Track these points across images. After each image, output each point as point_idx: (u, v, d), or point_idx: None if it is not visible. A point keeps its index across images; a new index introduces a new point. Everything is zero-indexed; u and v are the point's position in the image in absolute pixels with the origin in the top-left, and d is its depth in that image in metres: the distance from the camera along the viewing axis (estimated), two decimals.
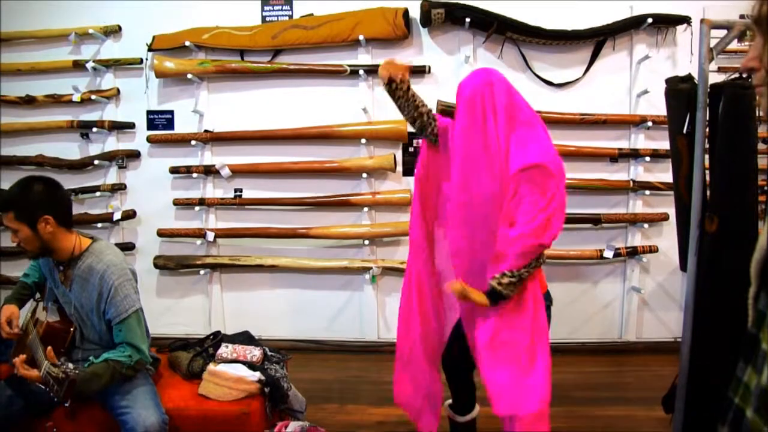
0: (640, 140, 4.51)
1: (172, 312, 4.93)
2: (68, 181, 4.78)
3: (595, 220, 4.49)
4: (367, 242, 4.63)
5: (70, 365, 2.47)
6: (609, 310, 4.74)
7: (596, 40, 4.43)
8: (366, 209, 4.60)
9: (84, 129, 4.81)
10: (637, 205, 4.56)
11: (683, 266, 2.75)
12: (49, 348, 2.43)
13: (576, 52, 4.51)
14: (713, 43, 2.50)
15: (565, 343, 4.68)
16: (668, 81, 2.74)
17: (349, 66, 4.50)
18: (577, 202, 4.53)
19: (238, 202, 4.73)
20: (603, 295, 4.73)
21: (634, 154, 4.47)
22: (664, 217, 4.48)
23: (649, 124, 4.37)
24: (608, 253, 4.48)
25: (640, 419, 3.58)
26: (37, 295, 2.95)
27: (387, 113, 4.56)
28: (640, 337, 4.72)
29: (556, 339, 4.66)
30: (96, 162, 4.78)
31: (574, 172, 4.48)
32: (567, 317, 4.70)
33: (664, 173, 4.46)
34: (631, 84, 4.50)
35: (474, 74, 2.59)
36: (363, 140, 4.53)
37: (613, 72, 4.51)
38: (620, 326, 4.73)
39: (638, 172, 4.53)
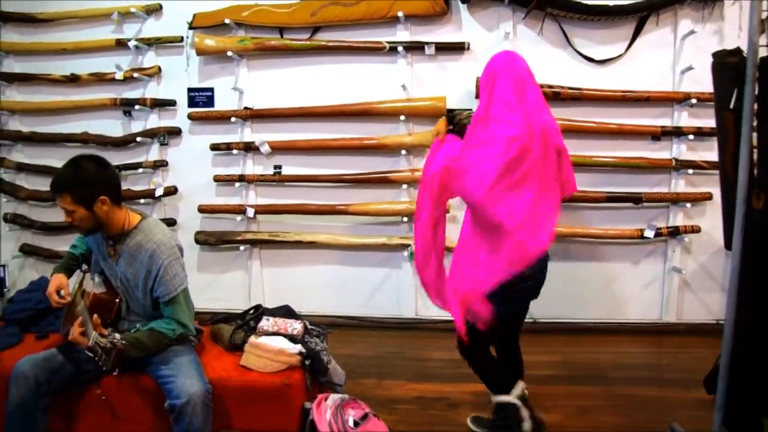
0: (684, 118, 4.41)
1: (212, 287, 5.01)
2: (111, 158, 4.75)
3: (636, 199, 4.42)
4: (405, 219, 4.62)
5: (117, 335, 2.54)
6: (649, 291, 4.68)
7: (639, 15, 4.33)
8: (405, 186, 4.60)
9: (127, 106, 4.89)
10: (679, 184, 4.46)
11: (728, 245, 2.70)
12: (95, 315, 2.51)
13: (618, 28, 4.42)
14: (765, 15, 2.43)
15: (604, 323, 4.65)
16: (715, 54, 2.67)
17: (388, 43, 4.48)
18: (618, 181, 4.48)
19: (277, 179, 4.77)
20: (643, 276, 4.67)
21: (677, 132, 4.38)
22: (708, 197, 4.39)
23: (693, 101, 4.26)
24: (649, 233, 4.42)
25: (679, 400, 3.53)
26: (84, 267, 3.02)
27: (426, 90, 4.54)
28: (680, 319, 4.64)
29: (595, 319, 4.65)
30: (138, 139, 4.87)
31: (615, 151, 4.45)
32: (606, 297, 4.67)
33: (707, 152, 4.37)
34: (674, 60, 4.40)
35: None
36: (402, 117, 4.52)
37: (656, 48, 4.41)
38: (660, 307, 4.67)
39: (681, 150, 4.43)
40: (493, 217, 2.50)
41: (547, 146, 2.59)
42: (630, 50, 4.42)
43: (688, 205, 4.44)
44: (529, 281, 2.79)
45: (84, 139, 4.90)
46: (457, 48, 4.46)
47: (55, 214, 5.02)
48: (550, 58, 4.46)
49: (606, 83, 4.40)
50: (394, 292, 4.86)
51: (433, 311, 4.79)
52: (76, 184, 2.56)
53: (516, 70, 2.63)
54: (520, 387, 2.95)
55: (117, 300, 2.82)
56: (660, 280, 4.65)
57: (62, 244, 5.07)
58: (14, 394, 2.56)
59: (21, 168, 5.05)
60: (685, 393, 3.59)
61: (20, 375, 2.58)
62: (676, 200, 4.42)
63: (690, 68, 4.27)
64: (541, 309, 4.56)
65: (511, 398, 2.91)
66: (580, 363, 4.08)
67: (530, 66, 2.71)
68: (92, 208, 2.58)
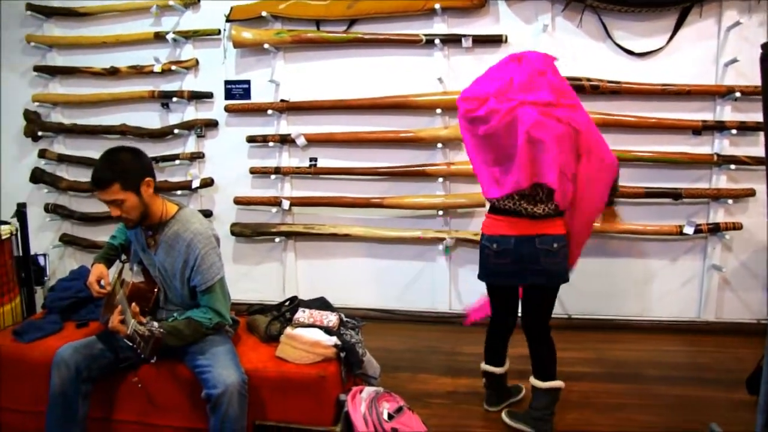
0: (726, 112, 4.30)
1: (247, 278, 5.05)
2: (149, 150, 4.91)
3: (676, 195, 4.34)
4: (441, 213, 4.61)
5: (155, 324, 2.58)
6: (687, 289, 4.59)
7: (682, 6, 4.23)
8: (440, 179, 4.57)
9: (164, 99, 4.96)
10: (720, 180, 4.36)
11: None
12: (134, 304, 2.55)
13: (659, 20, 4.32)
14: None
15: (640, 320, 4.59)
16: (765, 46, 2.60)
17: (425, 35, 4.46)
18: (657, 176, 4.40)
19: (313, 171, 4.79)
20: (681, 273, 4.58)
21: (719, 127, 4.28)
22: (750, 193, 4.29)
23: (737, 94, 4.15)
24: (688, 230, 4.34)
25: (718, 400, 3.46)
26: (123, 257, 3.06)
27: (462, 83, 4.48)
28: (719, 317, 4.55)
29: (631, 316, 4.60)
30: (176, 131, 4.93)
31: (654, 145, 4.37)
32: (643, 294, 4.61)
33: (751, 147, 4.28)
34: (718, 53, 4.29)
35: None
36: (438, 110, 4.49)
37: (699, 40, 4.30)
38: (699, 305, 4.58)
39: (723, 145, 4.33)
40: None
41: (514, 128, 2.72)
42: (671, 42, 4.33)
43: (730, 201, 4.33)
44: (503, 258, 2.94)
45: (122, 131, 4.98)
46: (495, 41, 4.41)
47: (94, 205, 5.12)
48: (588, 51, 4.40)
49: (646, 76, 4.32)
50: (429, 285, 4.85)
51: (468, 305, 4.76)
52: (123, 170, 2.58)
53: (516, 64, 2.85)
54: (491, 369, 3.30)
55: (155, 289, 2.86)
56: (699, 278, 4.56)
57: (101, 235, 5.18)
58: (56, 381, 2.61)
59: (62, 159, 5.16)
60: (725, 393, 3.52)
61: (61, 362, 2.63)
62: (717, 196, 4.33)
63: (734, 60, 4.17)
64: (576, 305, 4.53)
65: (485, 366, 3.31)
66: (615, 360, 4.03)
67: (560, 58, 2.97)
68: (140, 193, 2.62)
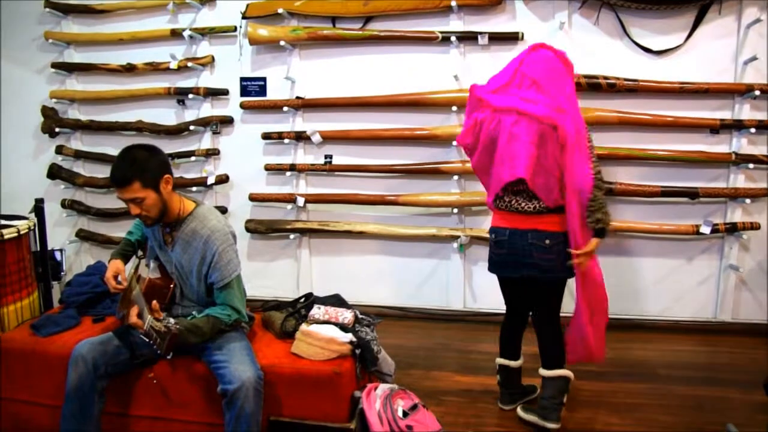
0: (745, 110, 4.25)
1: (261, 274, 5.06)
2: (165, 146, 4.85)
3: (692, 194, 4.30)
4: (455, 210, 4.61)
5: (172, 320, 2.58)
6: (703, 289, 4.55)
7: (701, 3, 4.19)
8: (455, 177, 4.56)
9: (180, 95, 4.98)
10: (738, 179, 4.32)
11: None
12: (155, 302, 2.55)
13: (678, 17, 4.28)
14: None
15: (656, 320, 4.56)
16: None
17: (441, 32, 4.45)
18: (673, 175, 4.37)
19: (328, 168, 4.79)
20: (698, 273, 4.54)
21: (738, 126, 4.23)
22: None
23: (757, 93, 4.10)
24: (705, 229, 4.30)
25: (735, 402, 3.43)
26: (140, 253, 3.08)
27: (478, 80, 4.47)
28: (736, 318, 4.51)
29: (646, 315, 4.56)
30: (191, 127, 4.96)
31: (671, 144, 4.33)
32: (659, 294, 4.57)
33: None
34: (737, 50, 4.24)
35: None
36: (454, 108, 4.49)
37: (717, 38, 4.26)
38: (715, 305, 4.54)
39: (741, 144, 4.28)
40: None
41: (499, 130, 2.89)
42: (689, 40, 4.29)
43: (748, 200, 4.28)
44: (500, 249, 3.05)
45: (138, 127, 5.01)
46: (511, 38, 4.40)
47: (110, 201, 5.17)
48: (605, 49, 4.38)
49: (663, 74, 4.28)
50: (443, 283, 4.84)
51: (482, 303, 4.78)
52: (142, 168, 2.59)
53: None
54: (504, 362, 3.31)
55: (171, 285, 2.87)
56: (715, 278, 4.52)
57: (116, 230, 5.22)
58: (73, 377, 2.63)
59: (78, 155, 5.19)
60: (741, 394, 3.49)
61: (79, 358, 2.65)
62: (735, 195, 4.29)
63: (754, 58, 4.13)
64: None
65: (500, 360, 3.33)
66: (630, 360, 4.01)
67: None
68: (159, 190, 2.63)
